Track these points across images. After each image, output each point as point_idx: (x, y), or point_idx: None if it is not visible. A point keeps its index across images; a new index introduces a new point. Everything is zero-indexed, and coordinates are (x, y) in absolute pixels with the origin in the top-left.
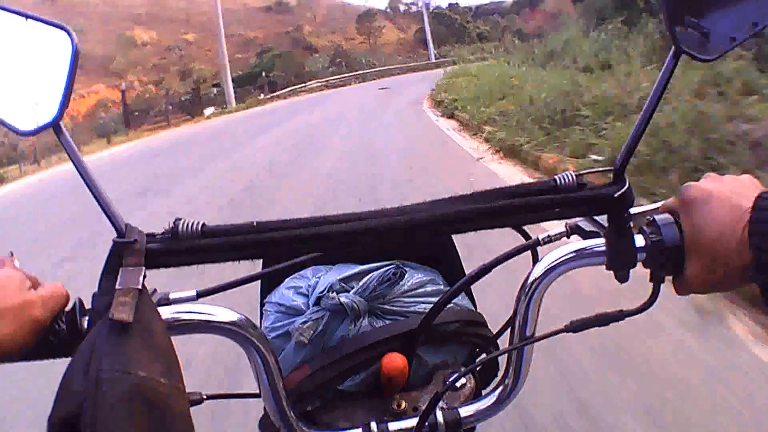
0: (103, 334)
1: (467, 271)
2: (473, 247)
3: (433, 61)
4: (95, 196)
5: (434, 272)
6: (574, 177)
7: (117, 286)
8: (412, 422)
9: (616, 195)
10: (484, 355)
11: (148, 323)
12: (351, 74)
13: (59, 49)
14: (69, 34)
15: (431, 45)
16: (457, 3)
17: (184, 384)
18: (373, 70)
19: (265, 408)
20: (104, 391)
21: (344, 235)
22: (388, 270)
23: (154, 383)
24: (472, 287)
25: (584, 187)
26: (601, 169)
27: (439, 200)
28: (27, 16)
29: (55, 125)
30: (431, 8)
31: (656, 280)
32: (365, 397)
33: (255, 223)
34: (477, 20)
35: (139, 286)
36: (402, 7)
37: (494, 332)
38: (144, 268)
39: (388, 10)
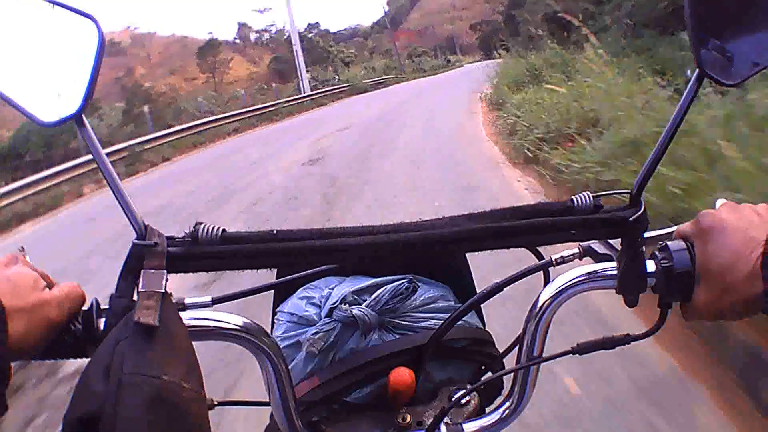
0: (125, 337)
1: (478, 288)
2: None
3: (308, 93)
4: (116, 195)
5: (446, 288)
6: (591, 198)
7: (141, 289)
8: None
9: (631, 219)
10: (489, 374)
11: (172, 327)
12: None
13: (85, 39)
14: (96, 23)
15: (304, 73)
16: (318, 23)
17: (204, 389)
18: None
19: (271, 416)
20: (126, 394)
21: (360, 248)
22: (401, 284)
23: (177, 387)
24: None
25: (600, 209)
26: (617, 191)
27: (456, 217)
28: (53, 3)
29: (77, 118)
30: (287, 33)
31: (664, 306)
32: (371, 409)
33: (275, 231)
34: (338, 44)
35: (163, 290)
36: (253, 36)
37: (501, 351)
38: (166, 271)
39: (237, 40)
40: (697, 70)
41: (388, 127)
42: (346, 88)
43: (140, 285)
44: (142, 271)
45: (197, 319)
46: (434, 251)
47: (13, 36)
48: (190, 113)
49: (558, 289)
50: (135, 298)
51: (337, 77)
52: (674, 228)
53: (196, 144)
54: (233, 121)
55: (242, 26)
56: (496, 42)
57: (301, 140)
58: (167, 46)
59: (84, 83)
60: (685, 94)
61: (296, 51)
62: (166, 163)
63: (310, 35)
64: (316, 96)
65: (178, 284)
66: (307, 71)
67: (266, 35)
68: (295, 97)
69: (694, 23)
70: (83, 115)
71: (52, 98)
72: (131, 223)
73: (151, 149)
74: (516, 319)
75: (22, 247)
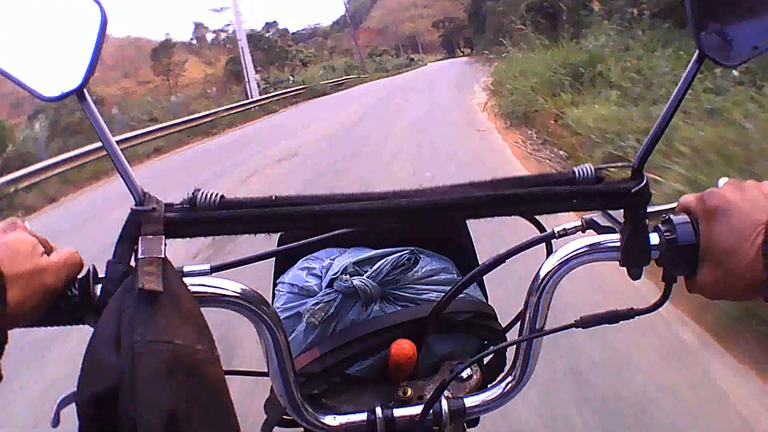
0: (129, 305)
1: (480, 261)
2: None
3: (256, 98)
4: (115, 163)
5: (448, 260)
6: (593, 170)
7: (140, 255)
8: (417, 410)
9: (633, 190)
10: (491, 347)
11: (176, 292)
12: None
13: (88, 19)
14: (99, 5)
15: (251, 74)
16: (275, 21)
17: (217, 350)
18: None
19: (271, 388)
20: (143, 362)
21: (361, 213)
22: (402, 255)
23: (191, 350)
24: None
25: (602, 181)
26: (620, 164)
27: (458, 185)
28: None
29: (79, 92)
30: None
31: (668, 280)
32: (372, 382)
33: (274, 197)
34: (297, 44)
35: (162, 255)
36: (210, 37)
37: (504, 325)
38: (164, 236)
39: (193, 41)
40: (696, 51)
41: (356, 157)
42: (302, 91)
43: (139, 252)
44: (140, 238)
45: (196, 285)
46: (436, 216)
47: (16, 13)
48: (122, 123)
49: (560, 261)
50: (132, 264)
51: (291, 78)
52: (675, 204)
53: (99, 175)
54: (157, 138)
55: (198, 26)
56: (460, 40)
57: (223, 177)
58: (122, 48)
59: (86, 61)
60: (685, 74)
61: (242, 48)
62: (52, 206)
63: (267, 34)
64: (266, 101)
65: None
66: (258, 72)
67: (223, 35)
68: (240, 104)
69: (694, 6)
70: (85, 90)
71: (54, 74)
72: (130, 190)
73: (36, 185)
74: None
75: (20, 213)
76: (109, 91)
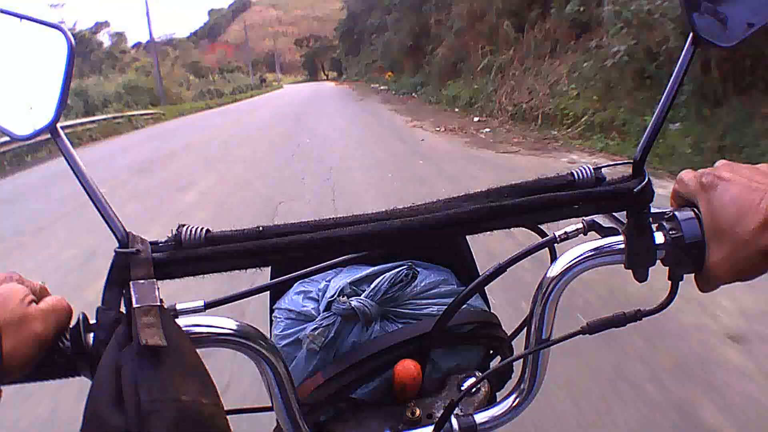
0: (130, 359)
1: (480, 268)
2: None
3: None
4: (94, 202)
5: (447, 272)
6: (593, 171)
7: (135, 305)
8: (428, 430)
9: (636, 190)
10: (498, 358)
11: (176, 341)
12: None
13: (54, 50)
14: (64, 34)
15: None
16: (107, 21)
17: (221, 399)
18: None
19: (277, 421)
20: (151, 424)
21: (354, 239)
22: (400, 271)
23: (197, 405)
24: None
25: (602, 182)
26: (620, 162)
27: (453, 198)
28: (21, 17)
29: (52, 128)
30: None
31: (675, 278)
32: (379, 405)
33: (261, 228)
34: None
35: (158, 302)
36: None
37: (509, 333)
38: (155, 280)
39: None
40: (690, 34)
41: None
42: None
43: (133, 299)
44: (131, 283)
45: (190, 326)
46: (432, 236)
47: None
48: None
49: (564, 267)
50: (122, 309)
51: None
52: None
53: (137, 126)
54: None
55: None
56: (325, 61)
57: None
58: None
59: (56, 93)
60: (680, 59)
61: None
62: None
63: (98, 34)
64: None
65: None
66: None
67: None
68: None
69: None
70: (57, 125)
71: (25, 111)
72: (112, 230)
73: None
74: None
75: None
76: None
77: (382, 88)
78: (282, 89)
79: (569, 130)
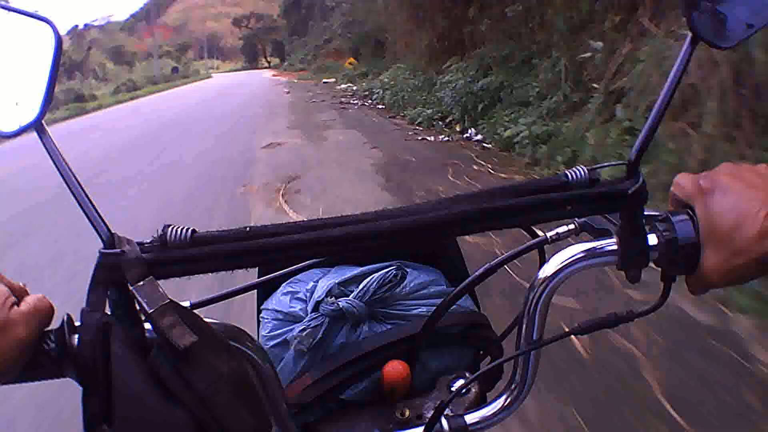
0: (166, 361)
1: (470, 269)
2: None
3: None
4: (79, 201)
5: (436, 272)
6: (587, 172)
7: (148, 309)
8: (418, 431)
9: (630, 191)
10: (488, 359)
11: (200, 329)
12: None
13: (41, 43)
14: (52, 27)
15: None
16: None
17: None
18: None
19: None
20: (218, 401)
21: (343, 240)
22: (388, 272)
23: (234, 367)
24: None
25: (597, 183)
26: (614, 163)
27: (444, 200)
28: (7, 9)
29: (37, 125)
30: None
31: (668, 280)
32: (368, 405)
33: (248, 228)
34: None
35: (168, 299)
36: None
37: (498, 334)
38: (153, 277)
39: None
40: (689, 33)
41: None
42: None
43: (143, 303)
44: (131, 287)
45: None
46: (424, 236)
47: None
48: None
49: (556, 268)
50: (107, 310)
51: None
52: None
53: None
54: None
55: None
56: (267, 45)
57: None
58: None
59: (42, 89)
60: (679, 59)
61: None
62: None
63: None
64: None
65: None
66: None
67: None
68: None
69: None
70: (43, 122)
71: (10, 107)
72: (96, 230)
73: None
74: None
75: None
76: None
77: (342, 86)
78: (209, 79)
79: None
